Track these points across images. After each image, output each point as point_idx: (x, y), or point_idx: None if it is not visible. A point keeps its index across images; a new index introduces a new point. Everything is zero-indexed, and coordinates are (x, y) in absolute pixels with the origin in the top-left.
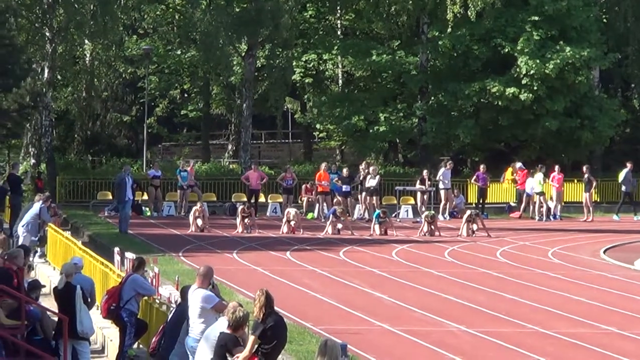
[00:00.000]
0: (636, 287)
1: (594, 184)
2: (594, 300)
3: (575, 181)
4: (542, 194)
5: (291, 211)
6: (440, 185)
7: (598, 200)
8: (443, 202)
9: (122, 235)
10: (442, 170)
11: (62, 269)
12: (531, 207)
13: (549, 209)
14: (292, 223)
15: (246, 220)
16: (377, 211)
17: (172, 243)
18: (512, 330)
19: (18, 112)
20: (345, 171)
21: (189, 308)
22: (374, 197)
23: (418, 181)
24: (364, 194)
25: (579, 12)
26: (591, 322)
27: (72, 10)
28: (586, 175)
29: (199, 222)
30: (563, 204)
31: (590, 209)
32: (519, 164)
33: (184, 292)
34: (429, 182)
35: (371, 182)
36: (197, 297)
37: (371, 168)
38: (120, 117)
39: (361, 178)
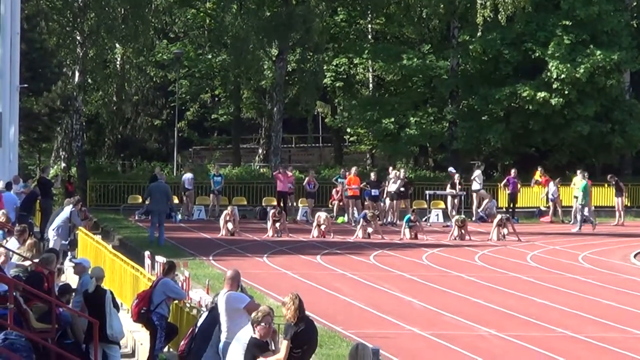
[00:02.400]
0: None
1: (623, 190)
2: (625, 305)
3: (606, 185)
4: (577, 198)
5: (322, 215)
6: (476, 187)
7: (628, 204)
8: (476, 203)
9: (156, 243)
10: (478, 171)
11: (92, 272)
12: (559, 210)
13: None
14: (323, 227)
15: (277, 224)
16: (408, 215)
17: (202, 247)
18: (542, 334)
19: (49, 116)
20: (373, 175)
21: (220, 313)
22: (395, 202)
23: (448, 185)
24: (387, 199)
25: (610, 17)
26: (622, 326)
27: (102, 14)
28: (613, 182)
29: (230, 226)
30: (593, 208)
31: (621, 213)
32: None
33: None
34: (460, 186)
35: (392, 187)
36: (228, 299)
37: (393, 172)
38: (151, 121)
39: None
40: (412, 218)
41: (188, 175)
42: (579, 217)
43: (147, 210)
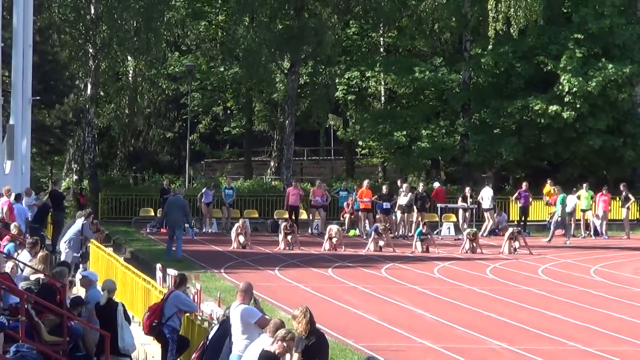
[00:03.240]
0: None
1: (631, 200)
2: (636, 318)
3: (618, 199)
4: (587, 211)
5: (333, 228)
6: (489, 205)
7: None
8: (487, 222)
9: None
10: (491, 191)
11: (104, 285)
12: (572, 224)
13: (595, 226)
14: (334, 240)
15: (289, 237)
16: (419, 228)
17: (214, 260)
18: (554, 347)
19: (61, 129)
20: (385, 188)
21: (232, 325)
22: (406, 215)
23: (460, 198)
24: (399, 212)
25: (622, 30)
26: (633, 339)
27: (115, 26)
28: (624, 193)
29: (241, 238)
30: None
31: (625, 225)
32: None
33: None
34: (471, 200)
35: (402, 200)
36: (239, 312)
37: (404, 185)
38: (163, 134)
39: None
40: (423, 231)
41: (208, 190)
42: (552, 228)
43: (165, 223)
